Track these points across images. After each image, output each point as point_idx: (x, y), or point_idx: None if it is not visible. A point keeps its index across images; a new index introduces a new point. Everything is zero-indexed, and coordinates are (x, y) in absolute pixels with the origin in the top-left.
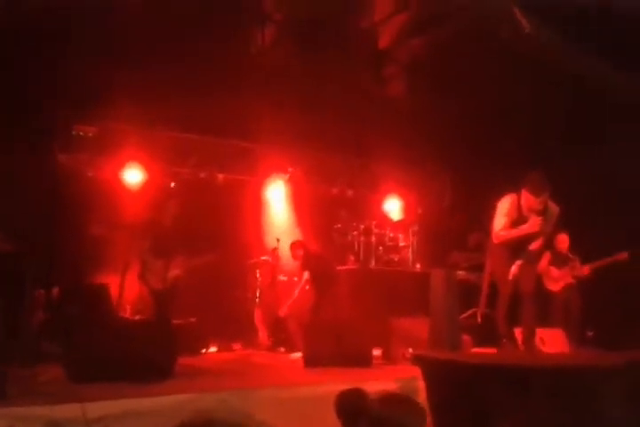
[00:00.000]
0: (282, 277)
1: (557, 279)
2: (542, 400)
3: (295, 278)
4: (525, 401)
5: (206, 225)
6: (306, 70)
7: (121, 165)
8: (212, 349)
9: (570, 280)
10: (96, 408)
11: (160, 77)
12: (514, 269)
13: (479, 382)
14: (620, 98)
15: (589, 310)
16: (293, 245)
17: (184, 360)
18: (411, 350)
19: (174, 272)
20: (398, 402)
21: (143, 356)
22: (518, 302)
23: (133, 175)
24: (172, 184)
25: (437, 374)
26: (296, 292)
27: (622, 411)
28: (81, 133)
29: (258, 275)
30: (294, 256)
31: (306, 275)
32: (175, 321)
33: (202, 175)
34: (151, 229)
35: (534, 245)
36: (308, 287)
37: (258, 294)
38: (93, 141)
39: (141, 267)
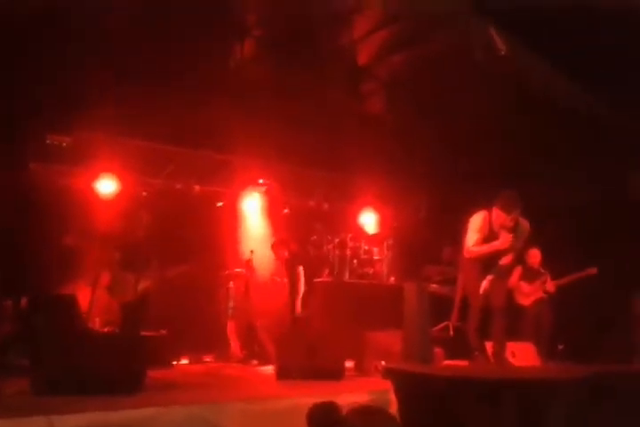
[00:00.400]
0: (277, 279)
1: (528, 294)
2: (511, 412)
3: (277, 279)
4: (495, 413)
5: (180, 236)
6: (284, 85)
7: (95, 175)
8: (184, 361)
9: (541, 295)
10: (63, 421)
11: (137, 88)
12: (485, 283)
13: (449, 395)
14: (593, 119)
15: (560, 323)
16: (276, 245)
17: (154, 373)
18: (383, 362)
19: (144, 284)
20: (371, 414)
21: (111, 369)
22: (489, 315)
23: (107, 185)
24: (144, 194)
25: (408, 386)
26: (301, 285)
27: (589, 419)
28: (55, 143)
29: (231, 286)
30: (278, 257)
31: (301, 270)
32: (145, 333)
33: (177, 186)
34: (122, 239)
35: (505, 261)
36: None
37: (231, 306)
38: (67, 151)
39: (111, 278)
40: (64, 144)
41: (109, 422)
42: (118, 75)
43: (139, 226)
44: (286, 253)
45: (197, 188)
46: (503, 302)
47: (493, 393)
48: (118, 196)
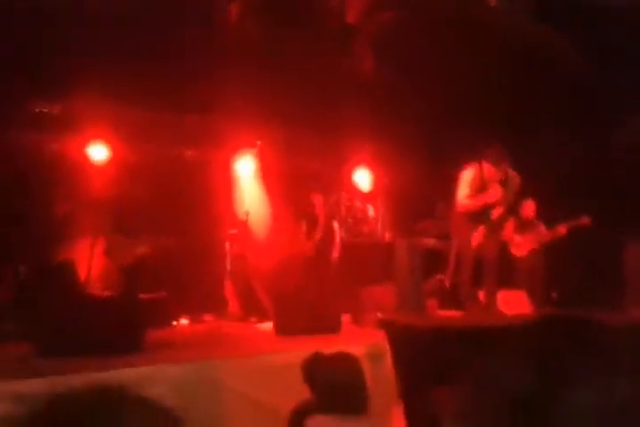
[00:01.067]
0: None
1: (522, 245)
2: (499, 358)
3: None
4: (483, 360)
5: (174, 201)
6: (272, 45)
7: (86, 143)
8: (184, 321)
9: (534, 246)
10: (63, 382)
11: (125, 55)
12: (477, 236)
13: (437, 343)
14: (581, 76)
15: (553, 273)
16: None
17: (155, 334)
18: (379, 314)
19: (141, 249)
20: (337, 361)
21: (111, 331)
22: (482, 267)
23: (98, 152)
24: (137, 159)
25: (399, 336)
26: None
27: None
28: (45, 111)
29: (227, 247)
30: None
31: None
32: (144, 296)
33: (169, 152)
34: (115, 205)
35: (496, 213)
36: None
37: (228, 267)
38: (58, 119)
39: (107, 243)
40: (55, 112)
41: (109, 380)
42: (106, 43)
43: (133, 192)
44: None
45: (189, 152)
46: (495, 253)
47: (477, 340)
48: (110, 162)
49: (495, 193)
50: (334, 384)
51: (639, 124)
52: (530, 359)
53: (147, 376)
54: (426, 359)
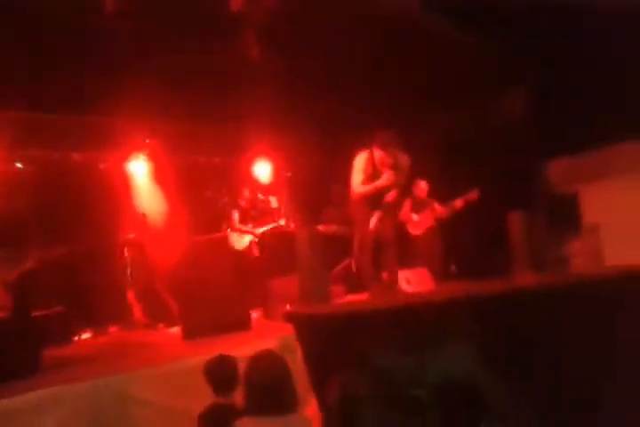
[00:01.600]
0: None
1: (419, 224)
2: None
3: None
4: (386, 342)
5: (64, 208)
6: (159, 38)
7: None
8: (86, 335)
9: (431, 223)
10: None
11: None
12: (374, 220)
13: (338, 330)
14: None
15: (449, 247)
16: None
17: (54, 352)
18: (288, 306)
19: (27, 265)
20: (259, 359)
21: (3, 353)
22: (382, 249)
23: None
24: (20, 165)
25: (304, 327)
26: None
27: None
28: None
29: (126, 254)
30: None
31: None
32: (39, 313)
33: (54, 156)
34: None
35: (390, 197)
36: None
37: (129, 273)
38: None
39: None
40: None
41: (8, 409)
42: None
43: (15, 202)
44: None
45: (76, 155)
46: (392, 235)
47: (373, 324)
48: None
49: (387, 178)
50: (263, 385)
51: (515, 97)
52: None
53: (47, 400)
54: (329, 347)
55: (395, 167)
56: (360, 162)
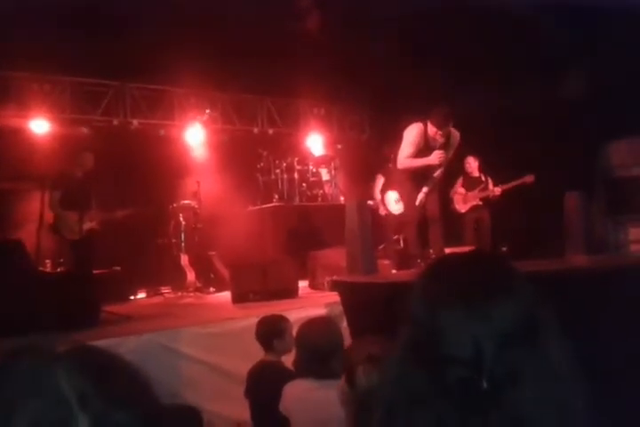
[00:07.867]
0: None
1: (466, 201)
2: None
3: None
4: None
5: (124, 173)
6: (216, 10)
7: (26, 116)
8: (141, 295)
9: (477, 202)
10: None
11: (61, 19)
12: (421, 196)
13: (381, 298)
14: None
15: (501, 228)
16: None
17: (111, 308)
18: (334, 277)
19: (89, 225)
20: (314, 324)
21: (66, 306)
22: (428, 225)
23: (40, 125)
24: (85, 130)
25: (349, 296)
26: None
27: None
28: None
29: (181, 219)
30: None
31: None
32: (98, 271)
33: (115, 122)
34: (62, 180)
35: (438, 173)
36: None
37: (182, 239)
38: None
39: (55, 219)
40: None
41: None
42: (41, 7)
43: (78, 164)
44: None
45: (135, 122)
46: (438, 212)
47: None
48: (53, 135)
49: (437, 157)
50: (316, 348)
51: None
52: None
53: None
54: (372, 315)
55: (445, 145)
56: (411, 134)
